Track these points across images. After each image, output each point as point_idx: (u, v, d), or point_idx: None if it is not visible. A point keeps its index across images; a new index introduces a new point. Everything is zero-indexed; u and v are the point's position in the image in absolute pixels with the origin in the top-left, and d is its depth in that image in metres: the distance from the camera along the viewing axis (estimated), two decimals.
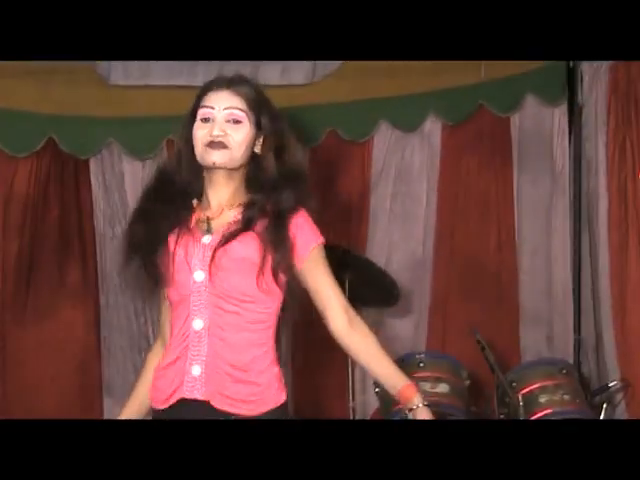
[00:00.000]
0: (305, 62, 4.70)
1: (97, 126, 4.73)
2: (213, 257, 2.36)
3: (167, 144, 4.36)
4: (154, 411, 2.47)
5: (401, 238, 4.91)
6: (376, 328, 4.58)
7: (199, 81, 4.62)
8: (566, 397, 4.07)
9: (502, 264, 4.89)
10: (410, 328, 4.89)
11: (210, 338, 2.40)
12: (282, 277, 2.40)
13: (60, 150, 4.66)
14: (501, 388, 3.99)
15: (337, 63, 4.71)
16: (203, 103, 2.44)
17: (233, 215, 2.41)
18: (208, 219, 2.44)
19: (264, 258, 2.37)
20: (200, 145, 2.42)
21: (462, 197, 4.91)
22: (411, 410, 2.43)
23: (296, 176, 2.46)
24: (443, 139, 4.88)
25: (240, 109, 2.42)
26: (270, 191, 2.43)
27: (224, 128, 2.41)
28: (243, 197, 2.45)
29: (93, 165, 4.80)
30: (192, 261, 2.40)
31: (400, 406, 2.50)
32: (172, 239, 2.44)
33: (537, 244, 4.85)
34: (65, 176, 4.86)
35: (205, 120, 2.42)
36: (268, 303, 2.42)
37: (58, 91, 4.63)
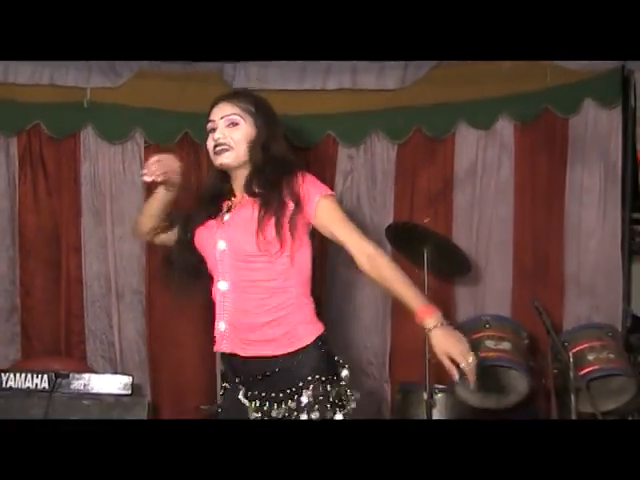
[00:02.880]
0: (397, 69, 4.87)
1: None
2: (228, 226, 2.50)
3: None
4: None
5: (481, 222, 4.99)
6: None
7: (308, 85, 4.90)
8: (611, 356, 4.18)
9: (551, 244, 4.91)
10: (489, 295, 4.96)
11: (233, 295, 2.48)
12: (290, 233, 2.42)
13: (195, 142, 4.83)
14: (555, 347, 4.07)
15: (424, 70, 4.87)
16: (208, 118, 2.59)
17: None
18: (230, 205, 2.57)
19: (261, 219, 2.42)
20: (211, 152, 2.57)
21: (533, 186, 4.95)
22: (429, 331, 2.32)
23: (282, 158, 2.54)
24: (515, 137, 4.94)
25: (236, 114, 2.54)
26: (259, 172, 2.52)
27: (224, 132, 2.53)
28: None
29: None
30: (216, 234, 2.52)
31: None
32: (204, 226, 2.58)
33: (589, 227, 4.83)
34: (201, 167, 4.82)
35: (212, 131, 2.57)
36: (282, 255, 2.44)
37: (192, 93, 4.83)
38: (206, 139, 2.61)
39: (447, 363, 2.27)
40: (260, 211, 2.43)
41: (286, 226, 2.42)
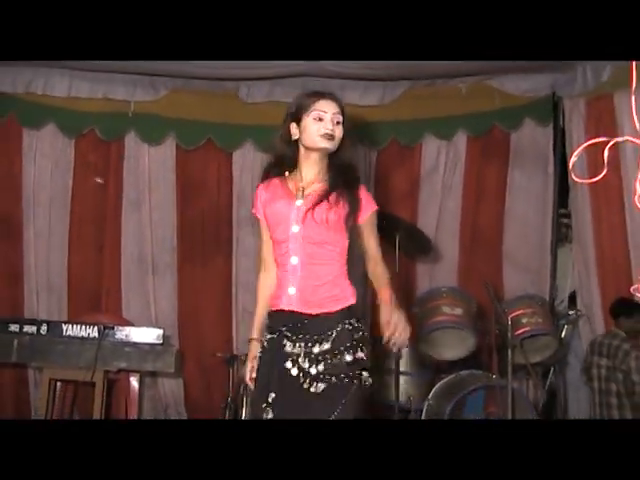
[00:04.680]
0: (378, 88, 5.39)
1: (238, 130, 5.34)
2: (305, 216, 2.66)
3: None
4: (269, 312, 2.76)
5: (440, 212, 5.54)
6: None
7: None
8: (539, 320, 4.75)
9: (494, 232, 5.52)
10: (445, 271, 5.56)
11: (302, 268, 2.67)
12: (347, 227, 2.67)
13: (216, 146, 5.38)
14: (497, 313, 4.49)
15: (400, 90, 5.43)
16: (316, 107, 2.69)
17: (318, 187, 2.71)
18: (303, 188, 2.72)
19: (334, 214, 2.63)
20: (315, 135, 2.67)
21: (479, 185, 5.52)
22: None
23: (356, 164, 2.78)
24: (467, 146, 5.56)
25: (341, 114, 2.71)
26: (343, 169, 2.70)
27: (333, 126, 2.68)
28: (326, 175, 2.73)
29: (235, 157, 5.44)
30: (290, 217, 2.68)
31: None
32: (269, 195, 2.72)
33: (525, 217, 5.44)
34: (220, 166, 5.41)
35: (319, 119, 2.68)
36: (339, 243, 2.70)
37: (214, 106, 5.39)
38: (301, 119, 2.67)
39: (385, 331, 2.61)
40: (332, 206, 2.65)
41: (346, 221, 2.68)
